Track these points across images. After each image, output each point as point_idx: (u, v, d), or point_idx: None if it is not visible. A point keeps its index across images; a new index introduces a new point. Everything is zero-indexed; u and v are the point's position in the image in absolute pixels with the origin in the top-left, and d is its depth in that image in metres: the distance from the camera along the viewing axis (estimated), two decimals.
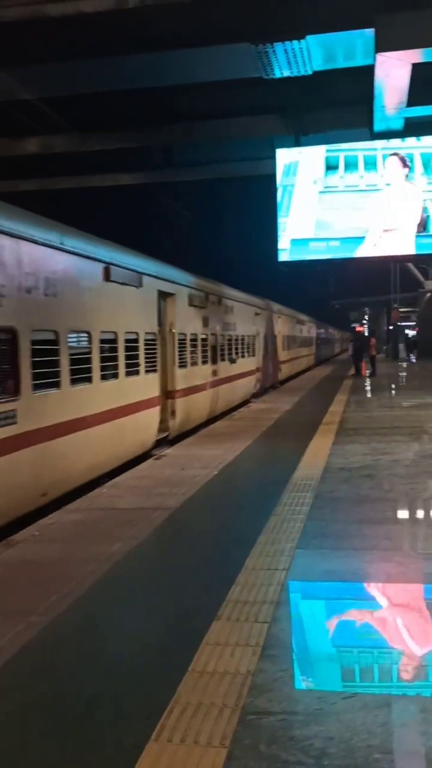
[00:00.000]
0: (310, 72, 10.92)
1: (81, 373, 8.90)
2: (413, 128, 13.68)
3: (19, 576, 4.87)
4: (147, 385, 11.47)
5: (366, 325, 72.73)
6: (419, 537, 5.63)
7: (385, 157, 14.37)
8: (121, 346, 10.23)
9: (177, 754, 2.64)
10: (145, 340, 11.30)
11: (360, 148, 14.39)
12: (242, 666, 3.33)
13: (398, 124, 13.10)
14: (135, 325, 10.93)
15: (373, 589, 4.46)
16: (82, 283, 9.09)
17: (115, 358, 10.06)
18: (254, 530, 5.63)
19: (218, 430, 12.57)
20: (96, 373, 9.36)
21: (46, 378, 7.96)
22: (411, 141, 14.14)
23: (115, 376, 10.10)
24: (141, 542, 5.55)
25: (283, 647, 3.55)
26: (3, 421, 7.09)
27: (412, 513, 6.47)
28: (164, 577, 4.82)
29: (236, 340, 18.99)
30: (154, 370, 11.88)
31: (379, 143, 14.13)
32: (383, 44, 9.59)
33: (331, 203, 15.02)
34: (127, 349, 10.48)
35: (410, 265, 37.46)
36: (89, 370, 9.16)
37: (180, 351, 13.40)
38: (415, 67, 10.51)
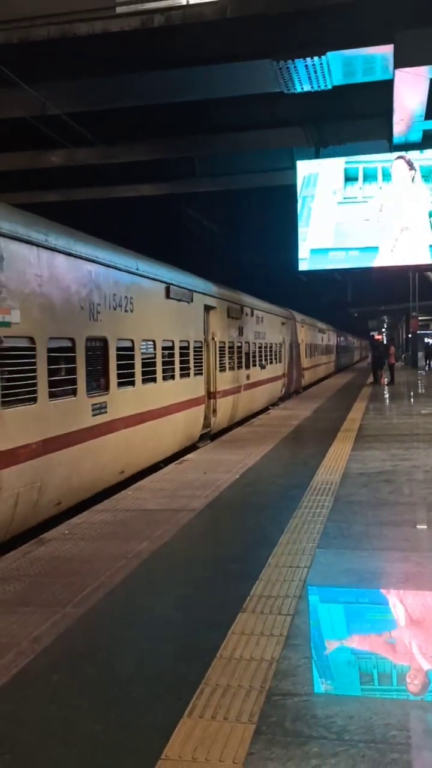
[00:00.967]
0: (330, 87, 11.17)
1: (149, 375, 10.66)
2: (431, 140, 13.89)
3: (53, 571, 5.12)
4: (196, 386, 13.19)
5: (384, 333, 72.65)
6: None
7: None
8: (176, 352, 11.98)
9: (208, 728, 2.87)
10: (194, 347, 13.09)
11: (379, 160, 14.62)
12: (267, 653, 3.55)
13: (417, 137, 13.30)
14: (187, 334, 12.71)
15: (391, 586, 4.65)
16: (150, 300, 10.89)
17: (172, 363, 11.79)
18: (276, 531, 5.85)
19: (239, 435, 12.79)
20: (159, 375, 11.07)
21: (126, 378, 9.72)
22: (420, 153, 14.33)
23: (173, 377, 11.78)
24: (167, 541, 5.79)
25: (305, 637, 3.77)
26: (98, 410, 8.76)
27: (431, 516, 6.64)
28: (191, 572, 5.05)
29: (265, 347, 20.49)
30: (201, 373, 13.59)
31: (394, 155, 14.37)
32: (402, 60, 9.81)
33: (351, 213, 15.23)
34: (181, 355, 12.21)
35: (429, 274, 37.47)
36: (154, 372, 10.90)
37: (220, 357, 15.06)
38: None
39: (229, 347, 15.92)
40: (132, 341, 9.94)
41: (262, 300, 20.83)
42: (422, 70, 9.96)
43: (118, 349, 9.41)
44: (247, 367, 17.94)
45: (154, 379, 10.82)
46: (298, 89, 11.18)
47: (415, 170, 14.56)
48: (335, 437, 11.72)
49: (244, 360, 17.48)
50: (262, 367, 19.95)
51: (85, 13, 10.61)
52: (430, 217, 14.60)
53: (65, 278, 8.13)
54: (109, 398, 9.08)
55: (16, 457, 6.95)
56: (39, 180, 17.26)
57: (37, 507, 7.43)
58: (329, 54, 10.24)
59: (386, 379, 27.33)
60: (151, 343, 10.83)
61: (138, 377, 10.11)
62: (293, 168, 15.42)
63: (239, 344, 16.97)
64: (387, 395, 22.01)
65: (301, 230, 15.47)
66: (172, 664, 3.50)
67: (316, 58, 10.23)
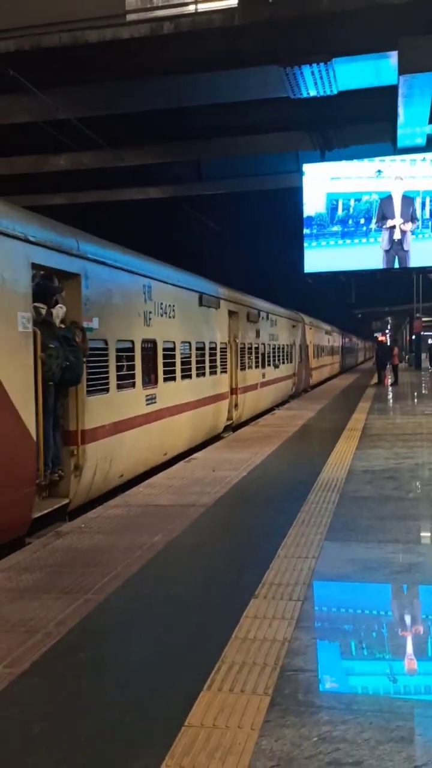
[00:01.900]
0: (335, 92, 11.39)
1: (186, 372, 12.22)
2: None
3: (72, 561, 5.35)
4: (222, 382, 14.94)
5: (388, 335, 72.79)
6: None
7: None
8: (207, 352, 13.66)
9: (227, 699, 3.09)
10: (221, 348, 14.83)
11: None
12: (279, 634, 3.78)
13: (421, 141, 13.52)
14: (215, 337, 14.44)
15: (395, 574, 4.87)
16: (187, 308, 12.53)
17: (203, 362, 13.44)
18: (284, 524, 6.07)
19: (245, 435, 13.00)
20: (194, 372, 12.65)
21: (169, 374, 11.27)
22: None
23: (204, 374, 13.36)
24: (180, 534, 6.01)
25: (315, 620, 3.99)
26: (150, 400, 10.35)
27: None
28: (203, 563, 5.27)
29: (278, 349, 22.21)
30: (225, 372, 15.27)
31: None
32: (407, 66, 10.03)
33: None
34: (210, 355, 13.93)
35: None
36: (190, 370, 12.48)
37: (241, 357, 16.74)
38: None
39: (248, 348, 17.58)
40: (174, 343, 11.61)
41: (275, 305, 22.34)
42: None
43: (164, 349, 11.08)
44: (263, 366, 19.51)
45: (189, 376, 12.42)
46: (304, 94, 11.41)
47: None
48: (340, 436, 11.93)
49: (260, 360, 19.07)
50: (276, 366, 21.51)
51: (96, 20, 10.85)
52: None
53: (128, 291, 9.75)
54: (158, 391, 10.69)
55: (95, 435, 8.43)
56: (44, 183, 17.52)
57: (107, 477, 8.88)
58: (335, 60, 10.47)
59: (390, 380, 27.51)
60: (188, 344, 12.49)
61: (178, 373, 11.76)
62: (299, 171, 15.64)
63: (256, 345, 18.64)
64: (391, 396, 22.20)
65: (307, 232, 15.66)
66: (190, 644, 3.73)
67: (322, 64, 10.46)
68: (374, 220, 14.67)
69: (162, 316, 10.99)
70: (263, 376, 19.44)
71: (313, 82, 11.03)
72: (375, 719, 2.89)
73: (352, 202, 14.88)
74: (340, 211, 14.99)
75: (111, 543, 5.83)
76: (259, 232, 28.12)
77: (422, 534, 5.89)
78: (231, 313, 15.75)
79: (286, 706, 3.03)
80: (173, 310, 11.53)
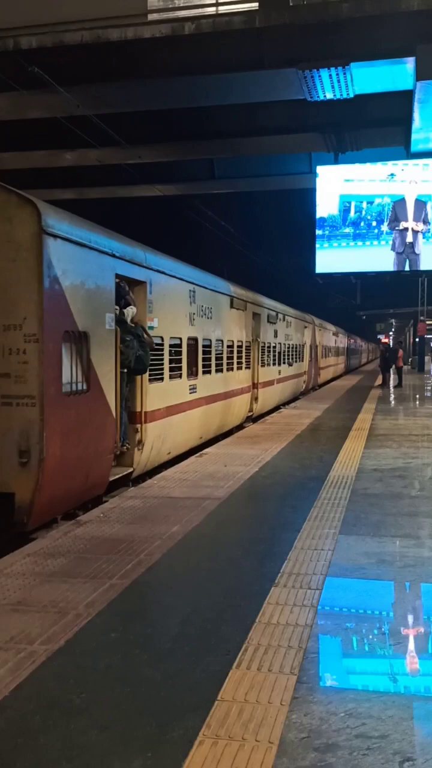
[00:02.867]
0: (351, 95, 11.54)
1: (219, 366, 13.78)
2: None
3: (94, 548, 5.52)
4: (246, 377, 16.43)
5: (392, 337, 72.86)
6: None
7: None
8: (235, 349, 15.18)
9: (256, 677, 3.26)
10: (246, 346, 16.32)
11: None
12: (301, 620, 3.94)
13: None
14: (242, 336, 15.97)
15: (409, 566, 5.04)
16: (221, 309, 14.10)
17: (232, 357, 14.91)
18: (299, 518, 6.24)
19: (254, 432, 13.17)
20: (225, 366, 14.13)
21: (206, 367, 12.83)
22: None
23: (232, 369, 14.78)
24: (196, 525, 6.18)
25: (335, 607, 4.16)
26: (192, 390, 11.86)
27: None
28: (222, 552, 5.44)
29: (292, 348, 23.79)
30: (249, 368, 16.79)
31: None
32: (423, 72, 10.17)
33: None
34: (238, 352, 15.43)
35: None
36: (222, 364, 13.99)
37: (261, 355, 18.27)
38: None
39: (267, 347, 19.15)
40: (210, 340, 13.14)
41: (290, 307, 23.89)
42: None
43: (203, 346, 12.61)
44: (280, 364, 21.13)
45: (221, 370, 13.90)
46: (321, 97, 11.55)
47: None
48: (347, 436, 12.09)
49: (277, 358, 20.65)
50: (290, 365, 23.17)
51: (118, 19, 11.00)
52: None
53: (178, 295, 11.30)
54: (198, 381, 12.17)
55: (154, 417, 9.85)
56: (54, 178, 17.67)
57: (159, 453, 10.35)
58: (352, 64, 10.62)
59: (394, 382, 27.65)
60: (221, 342, 14.04)
61: (213, 367, 13.27)
62: (312, 172, 15.79)
63: (274, 345, 20.16)
64: (395, 397, 22.36)
65: (319, 233, 15.81)
66: (216, 626, 3.90)
67: (339, 68, 10.60)
68: (386, 223, 14.81)
69: (202, 317, 12.61)
70: (279, 373, 20.97)
71: (330, 86, 11.18)
72: (398, 699, 3.05)
73: (364, 205, 15.02)
74: (352, 213, 15.13)
75: (130, 532, 6.00)
76: (269, 232, 28.26)
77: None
78: (254, 315, 17.41)
79: (312, 685, 3.20)
80: (211, 312, 13.18)
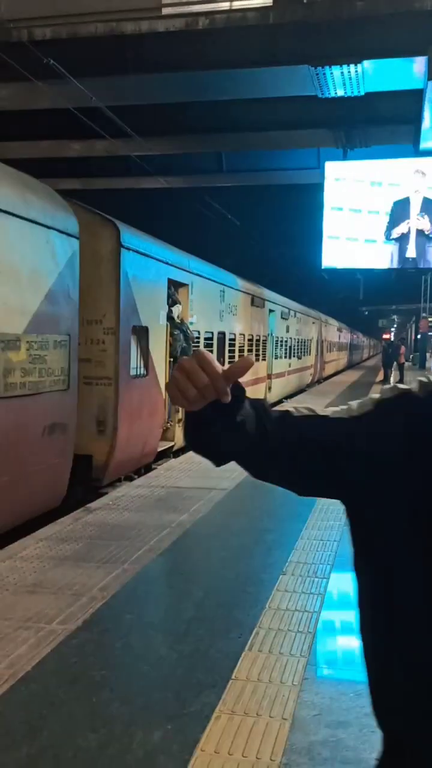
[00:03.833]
0: (362, 93, 11.59)
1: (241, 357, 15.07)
2: None
3: (105, 534, 5.66)
4: (262, 368, 17.68)
5: (393, 333, 72.96)
6: None
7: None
8: (254, 343, 16.73)
9: (268, 659, 3.41)
10: (263, 340, 17.82)
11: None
12: (309, 606, 4.09)
13: None
14: (260, 330, 17.53)
15: None
16: (244, 307, 15.70)
17: (251, 350, 16.34)
18: (304, 509, 6.38)
19: None
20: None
21: (231, 358, 13.81)
22: None
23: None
24: (204, 514, 6.33)
25: (342, 595, 4.30)
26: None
27: None
28: (231, 541, 5.58)
29: (302, 342, 25.33)
30: (264, 360, 18.13)
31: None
32: None
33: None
34: (256, 345, 16.93)
35: None
36: (243, 355, 14.47)
37: (274, 348, 19.74)
38: None
39: (280, 341, 20.77)
40: (235, 335, 14.67)
41: (300, 303, 25.21)
42: None
43: (229, 339, 14.10)
44: (290, 357, 22.74)
45: None
46: (333, 94, 11.60)
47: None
48: None
49: (288, 352, 22.22)
50: (299, 358, 24.81)
51: (132, 12, 11.03)
52: None
53: (212, 296, 12.89)
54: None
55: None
56: (60, 167, 17.71)
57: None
58: (364, 62, 10.67)
59: (396, 378, 27.77)
60: (243, 336, 15.58)
61: (236, 358, 13.73)
62: (320, 167, 15.86)
63: (286, 339, 21.79)
64: None
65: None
66: (228, 611, 4.04)
67: (352, 66, 10.66)
68: (391, 221, 14.93)
69: (229, 313, 14.21)
70: (290, 365, 22.60)
71: (342, 83, 11.22)
72: None
73: (372, 202, 15.11)
74: (360, 210, 15.23)
75: (139, 520, 6.15)
76: (275, 225, 28.34)
77: None
78: (270, 312, 18.94)
79: (323, 665, 3.35)
80: (236, 309, 14.79)
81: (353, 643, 3.62)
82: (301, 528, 5.76)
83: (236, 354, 14.63)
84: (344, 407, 1.20)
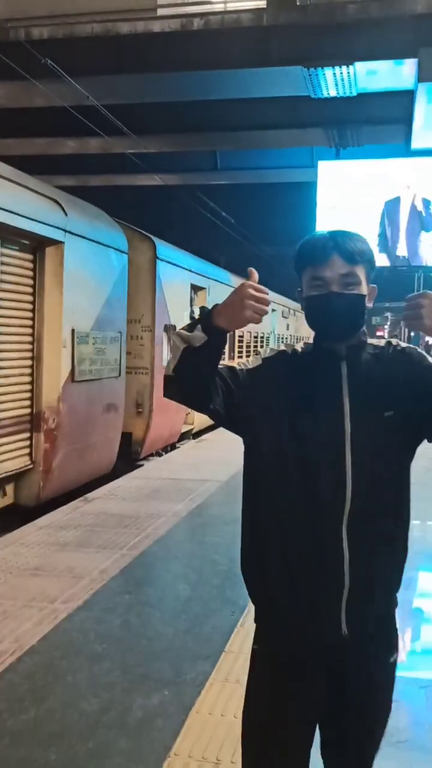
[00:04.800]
0: (354, 93, 11.81)
1: (248, 352, 16.17)
2: None
3: (103, 522, 5.88)
4: None
5: (387, 330, 73.29)
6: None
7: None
8: (259, 339, 18.42)
9: None
10: (267, 337, 19.61)
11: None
12: None
13: None
14: (264, 328, 19.16)
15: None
16: None
17: (258, 345, 17.97)
18: None
19: None
20: (252, 351, 16.21)
21: (239, 352, 15.68)
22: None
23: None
24: (200, 504, 6.54)
25: None
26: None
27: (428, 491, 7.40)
28: (226, 529, 5.78)
29: (300, 339, 26.83)
30: None
31: None
32: (425, 74, 10.45)
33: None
34: (262, 341, 18.65)
35: None
36: (250, 350, 16.68)
37: (276, 343, 21.12)
38: None
39: (281, 338, 22.55)
40: (243, 331, 16.12)
41: (297, 302, 26.85)
42: None
43: (238, 336, 15.71)
44: None
45: (249, 354, 18.42)
46: (325, 94, 11.81)
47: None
48: None
49: None
50: None
51: (128, 12, 11.21)
52: None
53: (224, 297, 13.80)
54: (234, 363, 16.01)
55: None
56: (55, 164, 17.87)
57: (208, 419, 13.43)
58: (356, 64, 10.88)
59: None
60: (249, 333, 17.27)
61: (245, 353, 15.96)
62: (313, 166, 16.09)
63: (286, 336, 23.53)
64: None
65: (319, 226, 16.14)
66: (221, 591, 4.26)
67: (344, 67, 10.87)
68: (384, 220, 15.16)
69: None
70: None
71: (335, 84, 11.43)
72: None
73: (365, 201, 15.33)
74: (353, 208, 15.45)
75: (137, 509, 6.36)
76: (269, 224, 28.54)
77: (417, 511, 6.43)
78: (272, 311, 20.25)
79: None
80: None
81: None
82: None
83: (245, 348, 16.29)
84: (248, 360, 1.86)
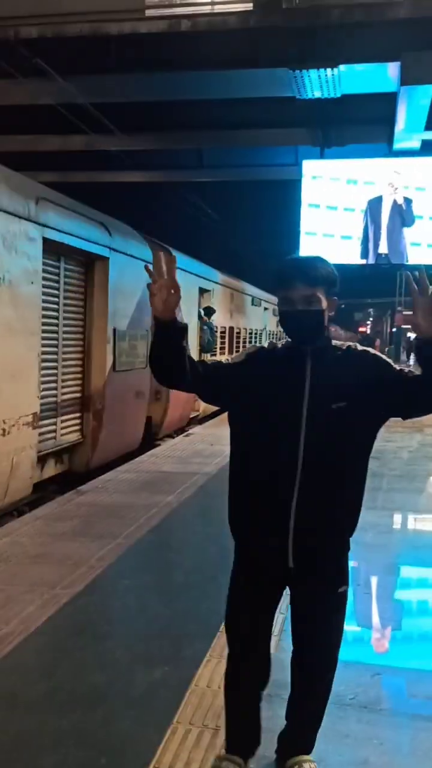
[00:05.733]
0: (339, 95, 12.04)
1: (244, 346, 17.31)
2: (428, 147, 14.88)
3: (97, 513, 6.07)
4: None
5: (369, 326, 73.94)
6: (418, 501, 6.85)
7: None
8: (253, 335, 20.18)
9: None
10: (259, 333, 21.53)
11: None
12: None
13: (416, 145, 14.28)
14: (258, 325, 21.50)
15: (383, 534, 5.67)
16: (246, 306, 19.42)
17: (252, 340, 19.78)
18: None
19: None
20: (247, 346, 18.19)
21: (237, 347, 17.01)
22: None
23: None
24: (190, 496, 6.76)
25: None
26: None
27: (413, 485, 7.68)
28: (217, 519, 5.95)
29: None
30: None
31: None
32: (407, 78, 10.71)
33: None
34: (255, 337, 20.46)
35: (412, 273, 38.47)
36: (245, 345, 18.06)
37: (269, 339, 22.47)
38: None
39: (272, 334, 24.45)
40: (240, 329, 18.23)
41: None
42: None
43: (236, 333, 17.45)
44: None
45: None
46: (310, 96, 12.04)
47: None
48: None
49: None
50: None
51: (116, 13, 11.34)
52: None
53: (225, 298, 16.17)
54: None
55: None
56: (38, 161, 17.93)
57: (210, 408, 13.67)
58: (341, 66, 11.11)
59: None
60: (245, 329, 19.08)
61: (241, 347, 16.74)
62: (297, 164, 16.35)
63: (276, 332, 24.88)
64: None
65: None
66: (214, 577, 4.46)
67: (329, 69, 11.10)
68: (367, 218, 15.46)
69: (237, 312, 17.75)
70: None
71: (320, 85, 11.65)
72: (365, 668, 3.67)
73: (348, 200, 15.62)
74: (336, 207, 15.73)
75: (129, 501, 6.56)
76: (253, 221, 28.78)
77: (403, 503, 6.70)
78: (264, 309, 22.27)
79: None
80: (241, 309, 18.45)
81: None
82: None
83: (241, 344, 17.84)
84: (232, 356, 2.42)
